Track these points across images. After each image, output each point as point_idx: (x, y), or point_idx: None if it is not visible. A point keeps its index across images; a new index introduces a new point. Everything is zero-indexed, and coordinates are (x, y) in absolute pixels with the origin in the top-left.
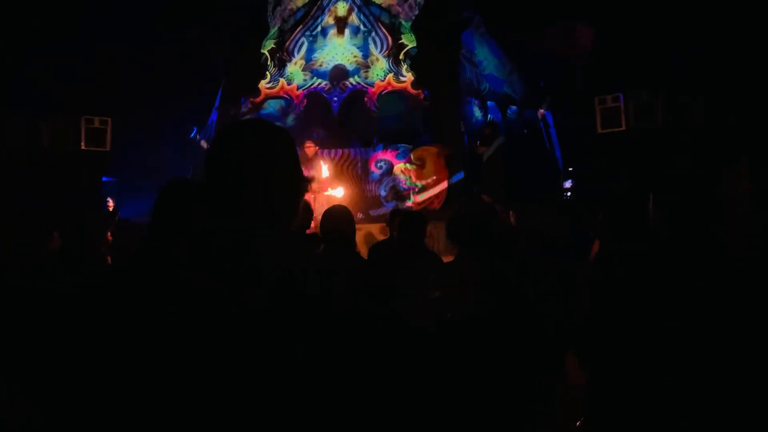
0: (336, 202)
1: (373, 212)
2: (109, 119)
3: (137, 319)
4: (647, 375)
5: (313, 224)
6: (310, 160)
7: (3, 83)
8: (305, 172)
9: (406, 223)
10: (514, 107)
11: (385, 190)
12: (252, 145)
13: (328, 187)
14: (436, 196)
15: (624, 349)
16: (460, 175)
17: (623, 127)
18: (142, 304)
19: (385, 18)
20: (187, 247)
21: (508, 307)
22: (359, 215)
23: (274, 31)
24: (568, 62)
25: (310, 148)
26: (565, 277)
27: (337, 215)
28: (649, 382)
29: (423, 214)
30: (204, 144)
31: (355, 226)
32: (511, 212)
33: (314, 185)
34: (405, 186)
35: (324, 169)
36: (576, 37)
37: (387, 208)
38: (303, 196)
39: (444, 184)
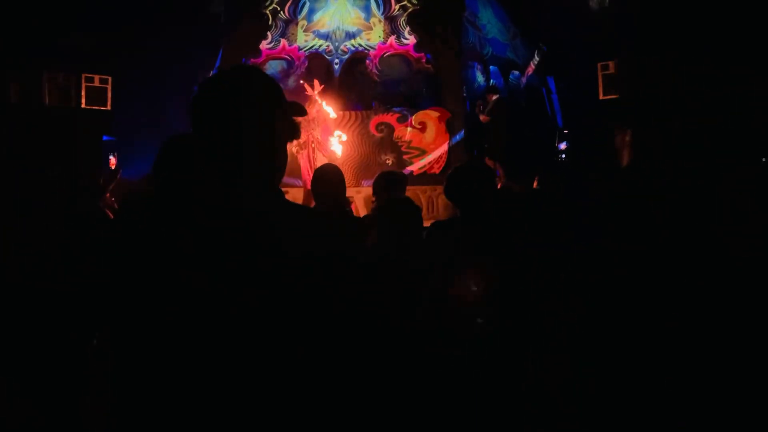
0: (336, 162)
1: (366, 183)
2: (110, 77)
3: (137, 320)
4: (646, 375)
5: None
6: (312, 103)
7: (3, 38)
8: (299, 118)
9: (380, 184)
10: (516, 72)
11: (385, 155)
12: (230, 92)
13: (334, 131)
14: (436, 160)
15: (623, 349)
16: (461, 135)
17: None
18: (142, 304)
19: None
20: (191, 239)
21: (511, 296)
22: (363, 183)
23: None
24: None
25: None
26: (565, 272)
27: (328, 175)
28: (647, 382)
29: (402, 174)
30: None
31: (345, 187)
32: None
33: (317, 135)
34: (405, 150)
35: (330, 111)
36: None
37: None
38: (285, 141)
39: (444, 147)
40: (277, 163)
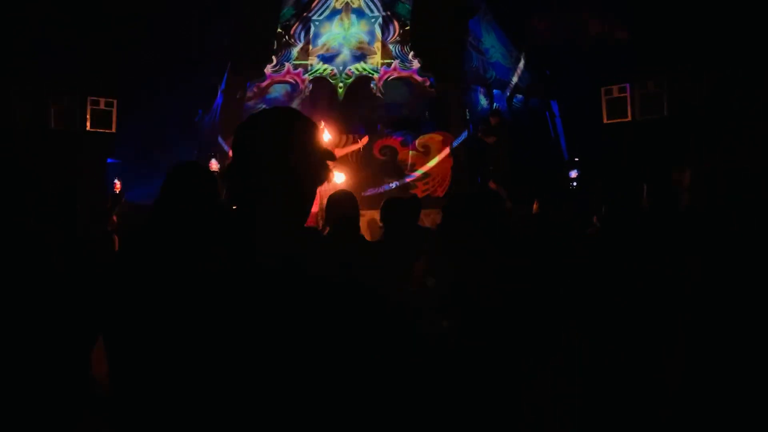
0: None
1: (366, 192)
2: (115, 101)
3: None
4: (648, 356)
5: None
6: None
7: (12, 62)
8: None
9: (388, 209)
10: (519, 96)
11: (389, 178)
12: (271, 133)
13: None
14: (439, 183)
15: (623, 330)
16: (464, 135)
17: (629, 118)
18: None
19: (393, 4)
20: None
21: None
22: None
23: (285, 11)
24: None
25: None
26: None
27: (342, 200)
28: (648, 363)
29: (417, 198)
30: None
31: (359, 211)
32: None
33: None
34: (409, 173)
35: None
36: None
37: (383, 189)
38: (320, 183)
39: (447, 170)
40: (305, 203)
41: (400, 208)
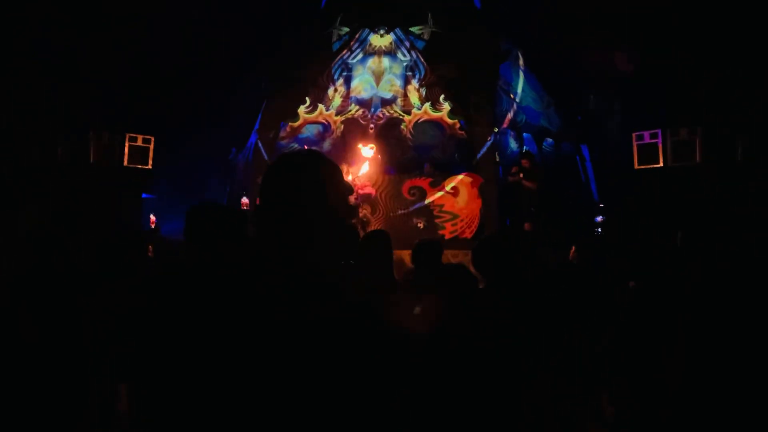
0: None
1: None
2: (152, 138)
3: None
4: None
5: None
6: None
7: (55, 99)
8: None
9: (417, 253)
10: (550, 140)
11: (417, 218)
12: (299, 176)
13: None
14: (468, 224)
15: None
16: (489, 143)
17: (660, 164)
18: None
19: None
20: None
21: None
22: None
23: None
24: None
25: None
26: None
27: (376, 239)
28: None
29: (438, 242)
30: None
31: (392, 251)
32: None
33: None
34: (437, 214)
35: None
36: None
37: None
38: (346, 221)
39: (476, 212)
40: (340, 236)
41: (427, 249)
